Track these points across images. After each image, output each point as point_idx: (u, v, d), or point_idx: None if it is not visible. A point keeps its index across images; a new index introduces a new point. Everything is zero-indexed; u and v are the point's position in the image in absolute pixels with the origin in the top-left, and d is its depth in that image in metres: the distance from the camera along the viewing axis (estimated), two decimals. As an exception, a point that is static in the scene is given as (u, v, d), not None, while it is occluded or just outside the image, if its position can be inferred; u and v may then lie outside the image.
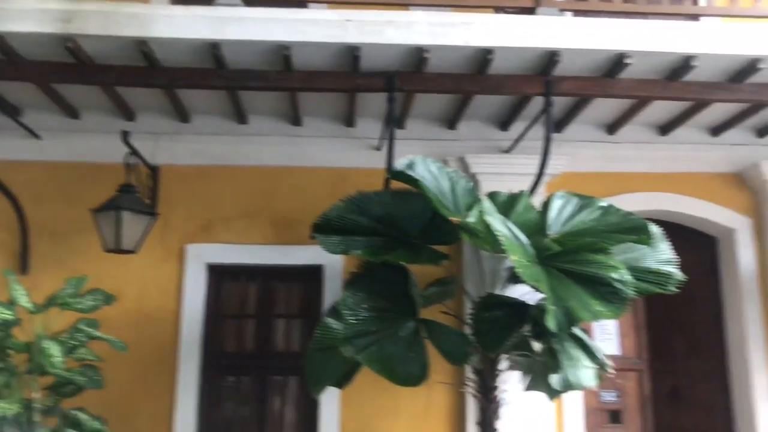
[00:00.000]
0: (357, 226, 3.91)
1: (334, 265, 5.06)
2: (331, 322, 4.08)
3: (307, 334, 4.83)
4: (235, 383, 5.20)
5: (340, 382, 4.21)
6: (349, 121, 5.20)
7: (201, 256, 5.12)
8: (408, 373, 3.55)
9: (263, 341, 5.23)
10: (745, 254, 5.41)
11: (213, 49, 4.08)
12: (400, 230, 4.02)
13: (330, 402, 4.87)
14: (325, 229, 3.97)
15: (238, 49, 4.12)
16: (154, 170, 5.14)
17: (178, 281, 5.07)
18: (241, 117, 5.11)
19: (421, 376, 3.57)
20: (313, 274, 5.16)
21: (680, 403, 6.47)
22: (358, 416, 4.93)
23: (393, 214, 4.01)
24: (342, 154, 5.27)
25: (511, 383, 4.37)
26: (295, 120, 5.19)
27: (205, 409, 4.98)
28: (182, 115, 5.06)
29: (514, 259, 3.33)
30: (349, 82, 4.38)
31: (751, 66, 4.32)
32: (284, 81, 4.40)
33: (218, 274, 5.24)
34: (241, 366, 5.22)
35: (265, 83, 4.41)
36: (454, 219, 3.78)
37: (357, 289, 3.74)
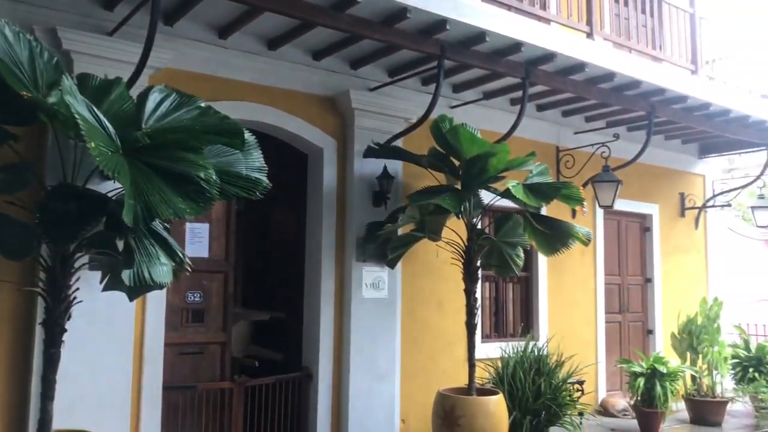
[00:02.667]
0: None
1: None
2: None
3: None
4: None
5: None
6: None
7: None
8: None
9: None
10: (329, 172, 6.05)
11: None
12: (-47, 98, 3.31)
13: None
14: None
15: None
16: None
17: None
18: None
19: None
20: None
21: (265, 303, 7.09)
22: None
23: (-57, 78, 3.27)
24: None
25: (89, 282, 4.11)
26: None
27: None
28: None
29: (92, 146, 3.04)
30: None
31: (351, -3, 4.71)
32: None
33: None
34: None
35: None
36: (26, 94, 3.27)
37: None
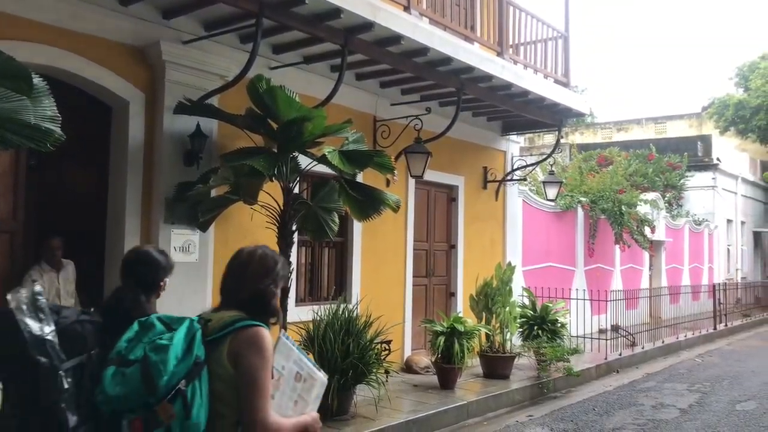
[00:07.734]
0: None
1: None
2: None
3: None
4: None
5: None
6: None
7: None
8: None
9: None
10: (135, 127, 5.66)
11: None
12: None
13: None
14: None
15: None
16: None
17: None
18: None
19: None
20: None
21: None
22: None
23: None
24: None
25: None
26: None
27: None
28: None
29: None
30: None
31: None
32: None
33: None
34: None
35: None
36: None
37: None
